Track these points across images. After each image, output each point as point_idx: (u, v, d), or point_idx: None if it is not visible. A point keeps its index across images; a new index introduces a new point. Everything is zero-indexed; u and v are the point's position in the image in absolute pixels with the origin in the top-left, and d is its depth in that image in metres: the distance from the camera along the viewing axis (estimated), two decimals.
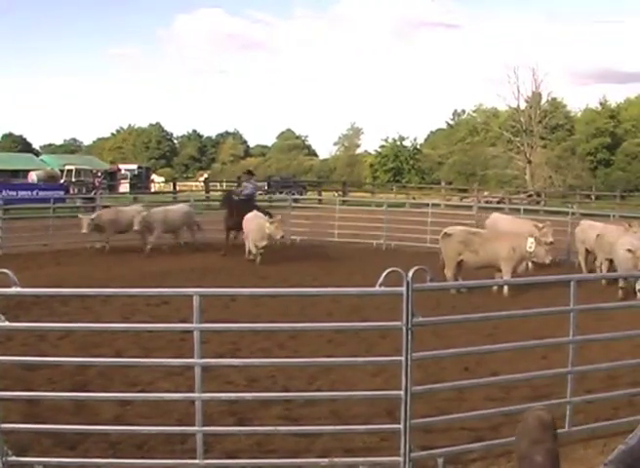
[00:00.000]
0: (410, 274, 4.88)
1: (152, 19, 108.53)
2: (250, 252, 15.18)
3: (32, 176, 36.85)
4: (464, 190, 43.70)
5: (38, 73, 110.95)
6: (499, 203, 30.58)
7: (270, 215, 15.78)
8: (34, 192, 29.37)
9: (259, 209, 16.61)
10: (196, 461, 4.94)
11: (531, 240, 11.54)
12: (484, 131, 57.34)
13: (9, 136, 73.34)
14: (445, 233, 12.44)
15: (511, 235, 12.31)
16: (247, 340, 8.05)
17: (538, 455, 1.92)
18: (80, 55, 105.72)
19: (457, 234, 12.23)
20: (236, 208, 16.36)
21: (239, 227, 16.02)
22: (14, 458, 4.86)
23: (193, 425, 5.02)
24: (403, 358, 4.92)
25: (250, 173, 19.18)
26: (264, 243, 14.74)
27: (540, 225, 12.72)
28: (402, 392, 4.95)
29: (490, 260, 11.84)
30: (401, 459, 4.96)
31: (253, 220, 15.23)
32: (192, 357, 4.99)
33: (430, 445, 5.20)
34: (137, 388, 6.37)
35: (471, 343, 6.85)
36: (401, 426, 4.97)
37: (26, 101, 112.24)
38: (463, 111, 68.74)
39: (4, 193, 26.24)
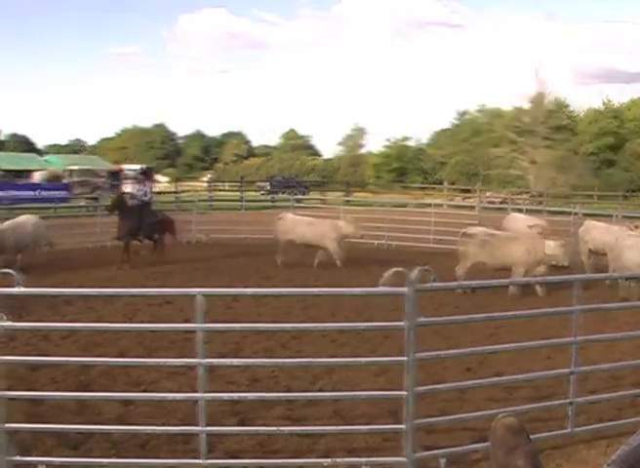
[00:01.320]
0: (413, 274, 4.88)
1: (156, 19, 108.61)
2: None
3: (36, 176, 36.98)
4: (467, 190, 43.61)
5: (42, 73, 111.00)
6: (501, 203, 30.54)
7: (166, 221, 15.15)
8: (37, 192, 29.42)
9: (156, 214, 15.18)
10: (199, 461, 4.94)
11: (549, 242, 11.58)
12: (487, 131, 57.23)
13: (13, 136, 73.48)
14: (464, 233, 12.61)
15: (527, 237, 12.37)
16: (250, 340, 8.06)
17: (518, 460, 1.92)
18: (84, 55, 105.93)
19: (475, 235, 12.39)
20: (131, 213, 14.53)
21: (135, 233, 14.48)
22: (17, 458, 4.86)
23: (196, 425, 5.02)
24: (406, 358, 4.92)
25: (145, 173, 17.15)
26: (340, 244, 14.29)
27: (531, 224, 12.55)
28: (405, 392, 4.94)
29: (505, 262, 11.92)
30: (404, 459, 4.96)
31: (320, 224, 14.56)
32: (195, 357, 4.99)
33: (433, 445, 5.19)
34: (140, 388, 6.38)
35: (474, 343, 6.84)
36: (404, 426, 4.96)
37: (31, 102, 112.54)
38: (467, 112, 68.69)
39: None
